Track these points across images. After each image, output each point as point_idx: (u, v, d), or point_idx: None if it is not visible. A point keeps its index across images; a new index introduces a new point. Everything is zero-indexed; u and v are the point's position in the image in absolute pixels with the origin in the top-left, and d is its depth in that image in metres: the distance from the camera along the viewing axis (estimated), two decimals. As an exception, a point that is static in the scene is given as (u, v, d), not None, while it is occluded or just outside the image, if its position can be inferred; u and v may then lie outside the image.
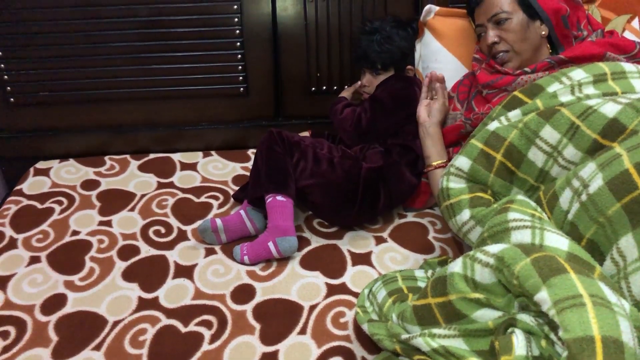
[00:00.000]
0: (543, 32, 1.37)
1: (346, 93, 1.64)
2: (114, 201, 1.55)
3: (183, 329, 1.13)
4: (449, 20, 1.60)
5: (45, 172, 1.69)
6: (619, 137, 0.94)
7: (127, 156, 1.78)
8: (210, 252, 1.35)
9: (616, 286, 0.83)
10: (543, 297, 0.75)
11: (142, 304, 1.19)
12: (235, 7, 1.67)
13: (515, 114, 1.14)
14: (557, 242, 0.89)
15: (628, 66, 1.15)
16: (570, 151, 1.02)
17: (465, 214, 1.12)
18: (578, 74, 1.15)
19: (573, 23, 1.38)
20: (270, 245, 1.29)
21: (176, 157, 1.77)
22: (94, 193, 1.59)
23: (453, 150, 1.47)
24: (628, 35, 1.50)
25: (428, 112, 1.45)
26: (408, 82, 1.53)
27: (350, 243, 1.39)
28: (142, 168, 1.72)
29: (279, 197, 1.32)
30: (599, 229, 0.89)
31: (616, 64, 1.15)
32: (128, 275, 1.28)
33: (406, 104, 1.49)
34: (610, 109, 0.97)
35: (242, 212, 1.40)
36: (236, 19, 1.68)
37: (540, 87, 1.17)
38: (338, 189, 1.38)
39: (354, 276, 1.28)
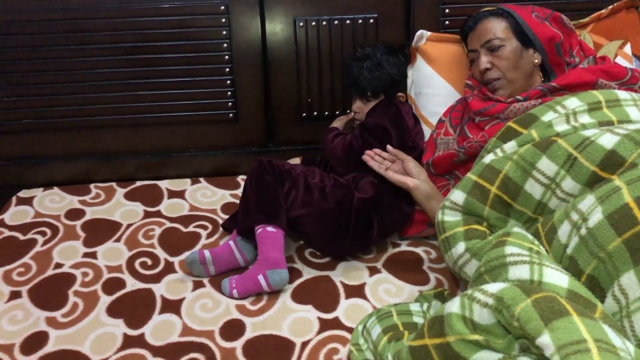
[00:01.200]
0: (536, 60, 1.36)
1: (338, 123, 1.62)
2: (99, 231, 1.51)
3: (170, 368, 1.09)
4: (441, 46, 1.59)
5: (28, 201, 1.65)
6: (619, 169, 0.93)
7: (113, 184, 1.74)
8: (198, 285, 1.31)
9: (619, 325, 0.80)
10: (546, 341, 0.72)
11: (128, 342, 1.15)
12: (224, 32, 1.65)
13: (510, 146, 1.12)
14: (557, 278, 0.86)
15: (622, 94, 1.14)
16: (568, 183, 1.00)
17: (460, 247, 1.09)
18: (572, 102, 1.14)
19: (566, 50, 1.37)
20: (261, 278, 1.25)
21: (163, 184, 1.74)
22: (78, 223, 1.55)
23: (443, 193, 1.44)
24: (620, 61, 1.50)
25: (410, 175, 1.40)
26: (397, 108, 1.51)
27: (343, 274, 1.35)
28: (129, 196, 1.68)
29: (270, 228, 1.29)
30: (599, 265, 0.87)
31: (610, 92, 1.14)
32: (113, 311, 1.24)
33: (396, 130, 1.47)
34: (608, 140, 0.95)
35: (231, 242, 1.36)
36: (225, 44, 1.66)
37: (534, 116, 1.15)
38: (330, 219, 1.35)
39: (347, 310, 1.24)
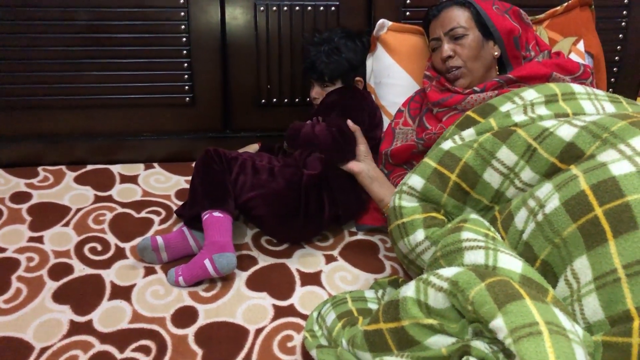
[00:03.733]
0: (496, 53, 1.38)
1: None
2: (47, 216, 1.45)
3: (119, 355, 1.05)
4: (402, 36, 1.59)
5: (-31, 183, 1.57)
6: (577, 161, 0.94)
7: (63, 167, 1.68)
8: (149, 271, 1.28)
9: (568, 310, 0.82)
10: (499, 324, 0.73)
11: (74, 328, 1.11)
12: (182, 14, 1.61)
13: (469, 133, 1.13)
14: (511, 264, 0.88)
15: (577, 87, 1.16)
16: (527, 174, 1.01)
17: (420, 234, 1.09)
18: (530, 94, 1.16)
19: (523, 44, 1.40)
20: (207, 262, 1.22)
21: (116, 168, 1.69)
22: (24, 206, 1.48)
23: (396, 181, 1.45)
24: (573, 57, 1.54)
25: (358, 158, 1.44)
26: (361, 93, 1.52)
27: (300, 262, 1.34)
28: (79, 180, 1.62)
29: (216, 213, 1.26)
30: (553, 250, 0.88)
31: (566, 85, 1.17)
32: (59, 297, 1.19)
33: (359, 112, 1.48)
34: (566, 132, 0.97)
35: (184, 229, 1.33)
36: (183, 26, 1.62)
37: (493, 106, 1.16)
38: (280, 199, 1.34)
39: (302, 297, 1.23)
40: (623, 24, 1.76)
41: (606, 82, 1.69)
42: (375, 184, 1.41)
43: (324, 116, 1.46)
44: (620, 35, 1.77)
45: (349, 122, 1.43)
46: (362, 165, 1.41)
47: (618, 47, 1.78)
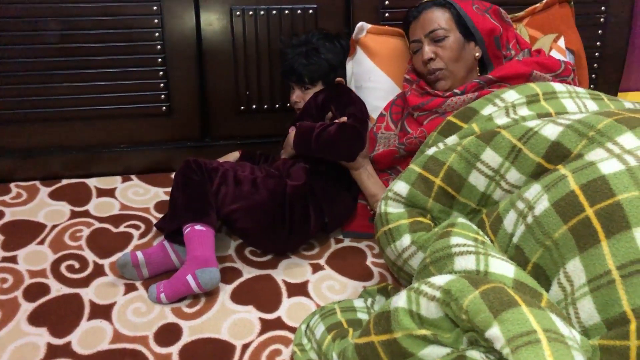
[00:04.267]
0: (477, 54, 1.38)
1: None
2: (20, 234, 1.41)
3: (99, 379, 1.01)
4: (381, 39, 1.57)
5: (-62, 203, 1.51)
6: (564, 160, 0.93)
7: (37, 182, 1.64)
8: (130, 288, 1.24)
9: (564, 314, 0.80)
10: (495, 333, 0.70)
11: (52, 352, 1.07)
12: (156, 20, 1.57)
13: (452, 140, 1.11)
14: (503, 268, 0.86)
15: (558, 86, 1.16)
16: (513, 175, 0.99)
17: (406, 239, 1.07)
18: (511, 95, 1.14)
19: (504, 43, 1.39)
20: (190, 278, 1.18)
21: (92, 182, 1.65)
22: (-4, 225, 1.43)
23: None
24: (555, 54, 1.54)
25: None
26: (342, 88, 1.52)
27: (285, 272, 1.31)
28: (54, 195, 1.58)
29: (198, 227, 1.23)
30: (545, 252, 0.87)
31: (547, 84, 1.16)
32: (35, 319, 1.14)
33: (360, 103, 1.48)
34: (551, 131, 0.95)
35: (165, 242, 1.29)
36: (157, 34, 1.59)
37: (474, 110, 1.15)
38: (264, 211, 1.30)
39: (290, 309, 1.20)
40: (602, 19, 1.76)
41: (588, 78, 1.69)
42: (371, 179, 1.41)
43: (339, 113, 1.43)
44: (600, 31, 1.78)
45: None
46: (361, 160, 1.40)
47: (598, 43, 1.79)
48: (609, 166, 0.84)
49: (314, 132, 1.36)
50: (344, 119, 1.40)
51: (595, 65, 1.81)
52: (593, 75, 1.82)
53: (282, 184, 1.33)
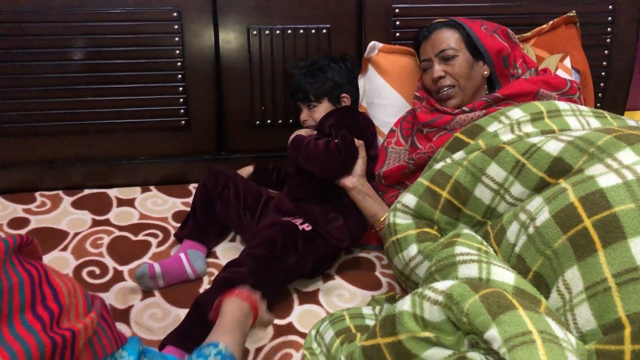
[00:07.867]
0: (485, 73, 1.41)
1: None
2: (45, 240, 1.46)
3: (118, 379, 1.05)
4: (393, 57, 1.62)
5: (-33, 210, 1.57)
6: (565, 175, 0.96)
7: (60, 192, 1.69)
8: (147, 294, 1.28)
9: (561, 319, 0.83)
10: (493, 334, 0.74)
11: (73, 352, 1.11)
12: (177, 39, 1.64)
13: (459, 155, 1.15)
14: (504, 276, 0.89)
15: (562, 104, 1.18)
16: (517, 189, 1.03)
17: (413, 249, 1.11)
18: (516, 113, 1.17)
19: (511, 62, 1.42)
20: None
21: (112, 192, 1.70)
22: (22, 232, 1.49)
23: (390, 201, 1.46)
24: (561, 73, 1.57)
25: (354, 173, 1.43)
26: (361, 115, 1.57)
27: (297, 281, 1.35)
28: (76, 205, 1.63)
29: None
30: (545, 262, 0.90)
31: (551, 103, 1.19)
32: (58, 321, 1.19)
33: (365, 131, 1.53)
34: (553, 147, 0.99)
35: (182, 255, 1.34)
36: (177, 51, 1.64)
37: (480, 127, 1.18)
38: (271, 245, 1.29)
39: (301, 315, 1.24)
40: (608, 40, 1.79)
41: (594, 97, 1.72)
42: (367, 199, 1.41)
43: (334, 132, 1.45)
44: (606, 52, 1.80)
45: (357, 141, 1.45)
46: (355, 181, 1.42)
47: (604, 63, 1.81)
48: (607, 180, 0.87)
49: (303, 142, 1.41)
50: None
51: (601, 84, 1.83)
52: (600, 94, 1.84)
53: (291, 226, 1.34)
